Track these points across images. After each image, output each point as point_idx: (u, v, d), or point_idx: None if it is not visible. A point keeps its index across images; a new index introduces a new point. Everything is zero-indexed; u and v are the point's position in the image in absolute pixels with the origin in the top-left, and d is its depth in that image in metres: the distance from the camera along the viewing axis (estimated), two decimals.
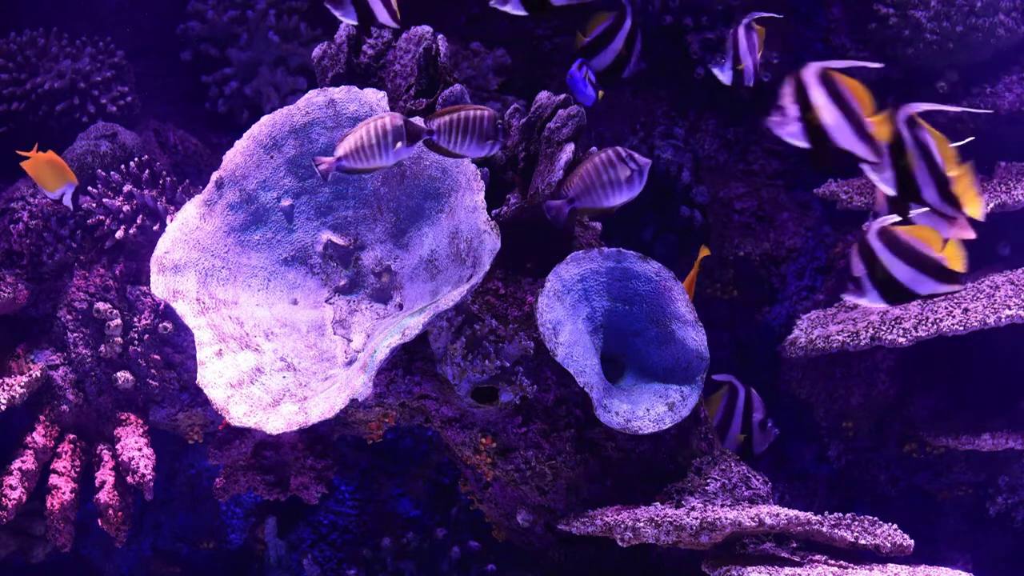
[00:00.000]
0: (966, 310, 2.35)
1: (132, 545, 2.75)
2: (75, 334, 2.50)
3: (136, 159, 2.58)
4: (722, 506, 2.17)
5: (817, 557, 2.09)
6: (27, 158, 2.35)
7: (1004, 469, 2.65)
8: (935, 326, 2.34)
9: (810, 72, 1.64)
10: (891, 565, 2.03)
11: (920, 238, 1.74)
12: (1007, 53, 2.83)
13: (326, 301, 2.32)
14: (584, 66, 2.24)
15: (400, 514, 2.78)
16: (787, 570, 1.95)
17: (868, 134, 1.64)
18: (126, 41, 2.90)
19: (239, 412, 2.09)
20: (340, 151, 1.95)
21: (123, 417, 2.49)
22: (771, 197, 3.03)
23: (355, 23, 2.02)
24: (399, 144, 1.95)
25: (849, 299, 1.81)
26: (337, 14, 2.00)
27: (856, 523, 2.12)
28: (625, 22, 2.33)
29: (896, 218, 1.77)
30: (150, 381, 2.48)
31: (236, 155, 2.31)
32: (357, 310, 2.31)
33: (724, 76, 2.22)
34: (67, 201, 2.39)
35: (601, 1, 2.40)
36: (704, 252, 2.56)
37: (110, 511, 2.41)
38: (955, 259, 1.74)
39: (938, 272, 1.74)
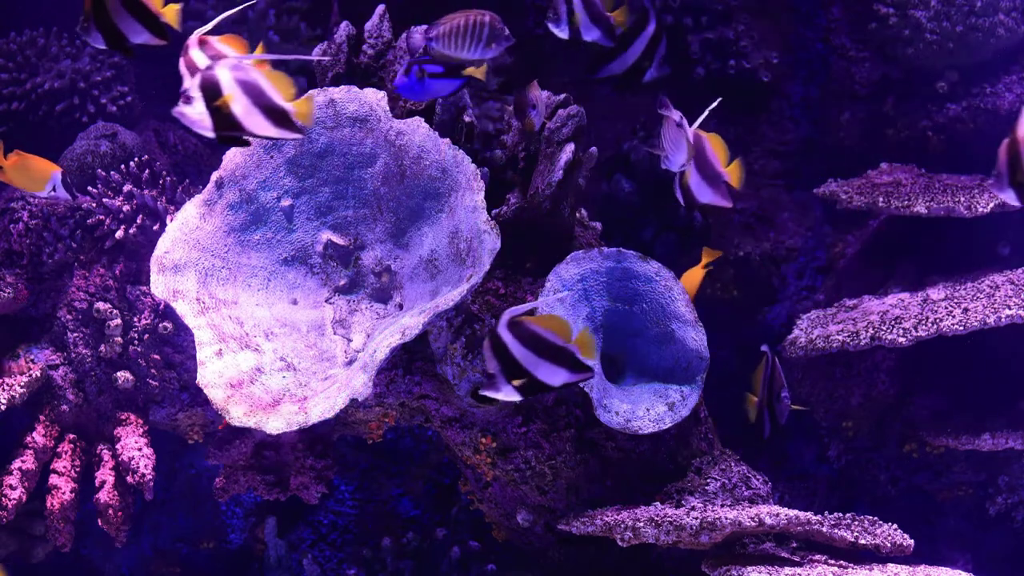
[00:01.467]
0: (966, 310, 2.35)
1: (132, 545, 2.75)
2: (75, 334, 2.50)
3: (136, 159, 2.58)
4: (722, 506, 2.17)
5: (817, 557, 2.09)
6: None
7: (1004, 469, 2.65)
8: (935, 326, 2.34)
9: None
10: (891, 565, 2.03)
11: (550, 328, 1.75)
12: (1007, 53, 2.83)
13: (326, 301, 2.32)
14: (415, 66, 2.16)
15: (400, 514, 2.78)
16: (787, 570, 1.95)
17: None
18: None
19: (239, 412, 2.09)
20: (435, 31, 1.95)
21: (123, 417, 2.49)
22: (771, 197, 3.03)
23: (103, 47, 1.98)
24: (493, 44, 1.99)
25: (489, 394, 1.81)
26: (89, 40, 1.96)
27: (856, 523, 2.12)
28: (648, 25, 2.28)
29: (528, 307, 1.83)
30: (150, 381, 2.48)
31: (236, 155, 2.31)
32: (357, 310, 2.31)
33: (561, 32, 2.17)
34: (60, 192, 2.31)
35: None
36: (715, 255, 2.52)
37: (110, 511, 2.41)
38: (586, 348, 1.77)
39: (571, 363, 1.76)
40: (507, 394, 1.77)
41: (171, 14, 1.90)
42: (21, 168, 2.25)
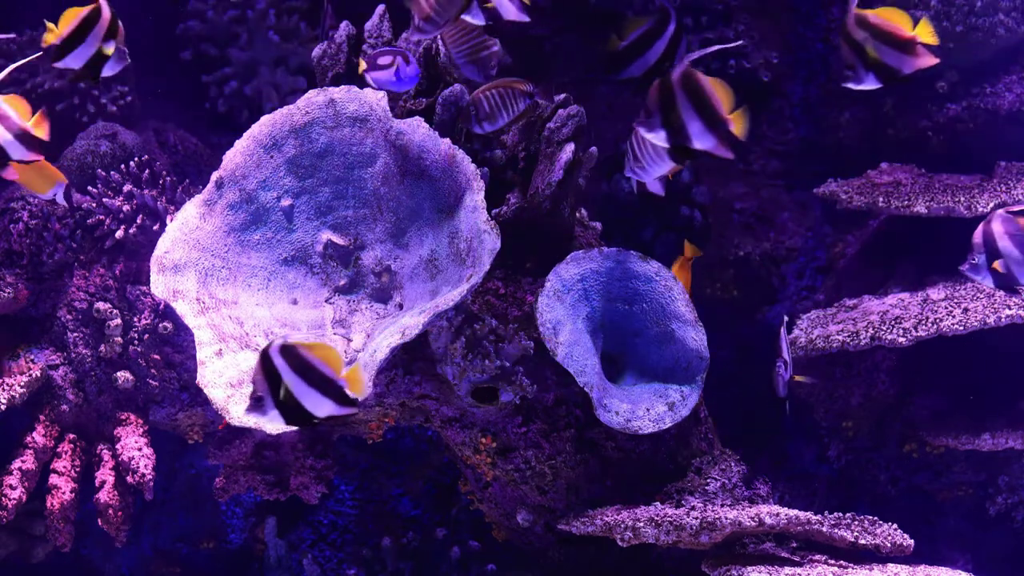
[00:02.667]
0: (966, 310, 2.35)
1: (132, 545, 2.75)
2: (75, 334, 2.50)
3: (136, 159, 2.58)
4: (722, 506, 2.17)
5: (817, 557, 2.09)
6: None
7: (1004, 469, 2.65)
8: (935, 326, 2.34)
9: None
10: (891, 565, 2.03)
11: (323, 358, 1.75)
12: (1007, 53, 2.83)
13: (326, 301, 2.32)
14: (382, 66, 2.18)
15: (400, 514, 2.78)
16: (787, 570, 1.95)
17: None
18: (126, 41, 2.90)
19: (239, 412, 2.09)
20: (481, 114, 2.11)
21: (123, 417, 2.49)
22: (771, 197, 3.03)
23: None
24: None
25: (249, 417, 1.81)
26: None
27: (856, 523, 2.12)
28: (668, 27, 2.25)
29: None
30: (150, 381, 2.49)
31: (236, 155, 2.31)
32: (357, 310, 2.31)
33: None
34: (60, 200, 2.35)
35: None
36: (695, 252, 2.51)
37: (110, 511, 2.41)
38: (355, 383, 1.77)
39: (338, 395, 1.76)
40: (272, 418, 1.77)
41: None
42: (31, 169, 2.27)
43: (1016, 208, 1.97)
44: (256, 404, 1.75)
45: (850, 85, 1.87)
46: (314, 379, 1.74)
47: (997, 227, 1.96)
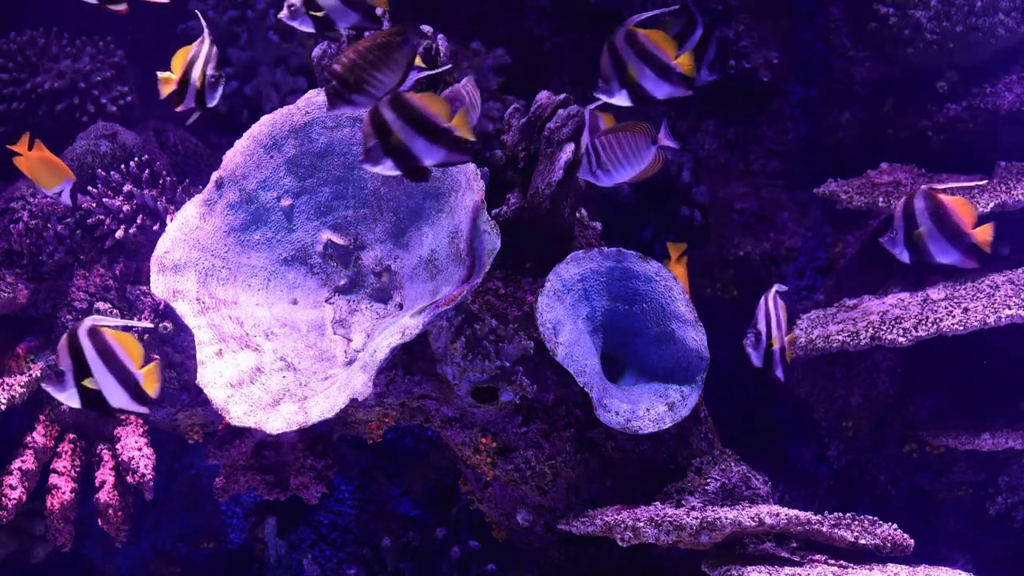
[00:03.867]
0: (966, 310, 2.35)
1: (132, 545, 2.75)
2: None
3: (136, 159, 2.58)
4: (722, 506, 2.17)
5: (817, 557, 2.09)
6: (19, 154, 2.29)
7: (1004, 469, 2.65)
8: (935, 326, 2.34)
9: None
10: (891, 565, 2.03)
11: (124, 346, 1.83)
12: (1007, 53, 2.82)
13: (326, 301, 2.32)
14: None
15: (400, 514, 2.78)
16: (787, 570, 1.95)
17: None
18: (126, 41, 2.90)
19: (239, 412, 2.09)
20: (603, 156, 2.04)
21: (123, 417, 2.49)
22: (771, 197, 3.03)
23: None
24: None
25: (47, 388, 1.87)
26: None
27: (856, 523, 2.12)
28: (696, 29, 2.26)
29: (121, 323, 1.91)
30: None
31: (236, 155, 2.31)
32: (357, 310, 2.31)
33: (900, 254, 2.19)
34: (65, 199, 2.35)
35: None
36: (678, 250, 2.49)
37: (110, 511, 2.41)
38: (150, 380, 1.85)
39: (134, 389, 1.86)
40: (69, 396, 1.84)
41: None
42: (41, 162, 2.30)
43: (940, 186, 2.00)
44: (57, 377, 1.82)
45: (600, 96, 1.93)
46: (114, 367, 1.81)
47: (918, 203, 2.00)
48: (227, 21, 2.89)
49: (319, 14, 1.93)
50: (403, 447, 2.79)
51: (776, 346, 2.11)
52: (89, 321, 1.83)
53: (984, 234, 2.00)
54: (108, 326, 1.84)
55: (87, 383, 1.82)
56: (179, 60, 2.04)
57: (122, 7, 2.04)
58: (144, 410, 1.87)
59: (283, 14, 1.97)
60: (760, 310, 2.17)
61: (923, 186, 2.04)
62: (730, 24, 2.97)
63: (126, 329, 1.99)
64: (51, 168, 2.31)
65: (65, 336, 1.82)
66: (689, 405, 2.24)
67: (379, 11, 1.98)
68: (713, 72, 2.31)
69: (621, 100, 1.96)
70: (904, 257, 2.02)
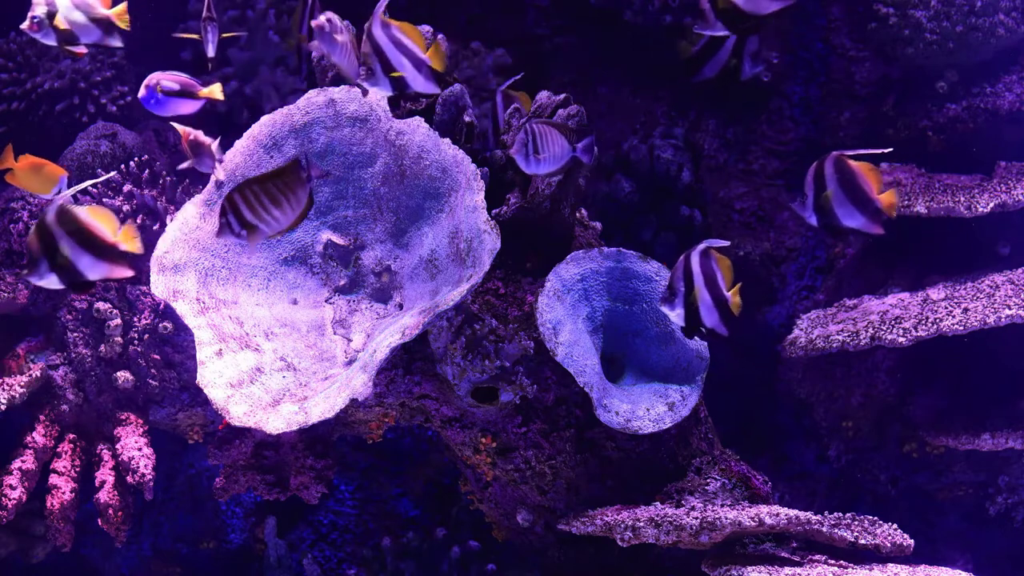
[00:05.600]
0: (966, 310, 2.35)
1: (132, 545, 2.75)
2: (75, 334, 2.49)
3: (136, 159, 2.58)
4: (722, 506, 2.17)
5: (817, 557, 2.09)
6: (9, 169, 2.25)
7: (1004, 469, 2.65)
8: (935, 326, 2.34)
9: None
10: (891, 565, 2.03)
11: (99, 220, 1.85)
12: (1007, 53, 2.82)
13: (326, 301, 2.32)
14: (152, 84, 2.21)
15: (400, 514, 2.78)
16: (787, 570, 1.95)
17: None
18: (126, 41, 2.90)
19: (239, 412, 2.09)
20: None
21: (123, 417, 2.49)
22: (771, 197, 3.03)
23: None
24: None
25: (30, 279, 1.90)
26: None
27: (856, 523, 2.12)
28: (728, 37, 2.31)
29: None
30: (150, 381, 2.48)
31: (236, 155, 2.31)
32: (357, 310, 2.31)
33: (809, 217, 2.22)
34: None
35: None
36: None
37: (110, 511, 2.41)
38: (129, 240, 1.87)
39: (112, 255, 1.86)
40: (49, 282, 1.89)
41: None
42: (32, 171, 2.28)
43: (850, 152, 1.99)
44: (32, 265, 1.86)
45: (364, 84, 1.95)
46: (88, 242, 1.84)
47: (827, 167, 1.99)
48: (227, 21, 2.89)
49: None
50: (403, 447, 2.79)
51: (699, 298, 2.05)
52: (55, 203, 1.84)
53: (889, 199, 1.99)
54: (73, 197, 1.86)
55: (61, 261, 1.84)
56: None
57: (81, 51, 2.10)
58: (129, 273, 1.87)
59: (25, 25, 2.05)
60: (678, 267, 2.03)
61: (833, 152, 2.02)
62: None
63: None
64: (42, 174, 2.28)
65: (35, 226, 1.84)
66: (689, 405, 2.24)
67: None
68: (758, 62, 2.39)
69: (809, 219, 2.03)
70: (812, 220, 2.02)
